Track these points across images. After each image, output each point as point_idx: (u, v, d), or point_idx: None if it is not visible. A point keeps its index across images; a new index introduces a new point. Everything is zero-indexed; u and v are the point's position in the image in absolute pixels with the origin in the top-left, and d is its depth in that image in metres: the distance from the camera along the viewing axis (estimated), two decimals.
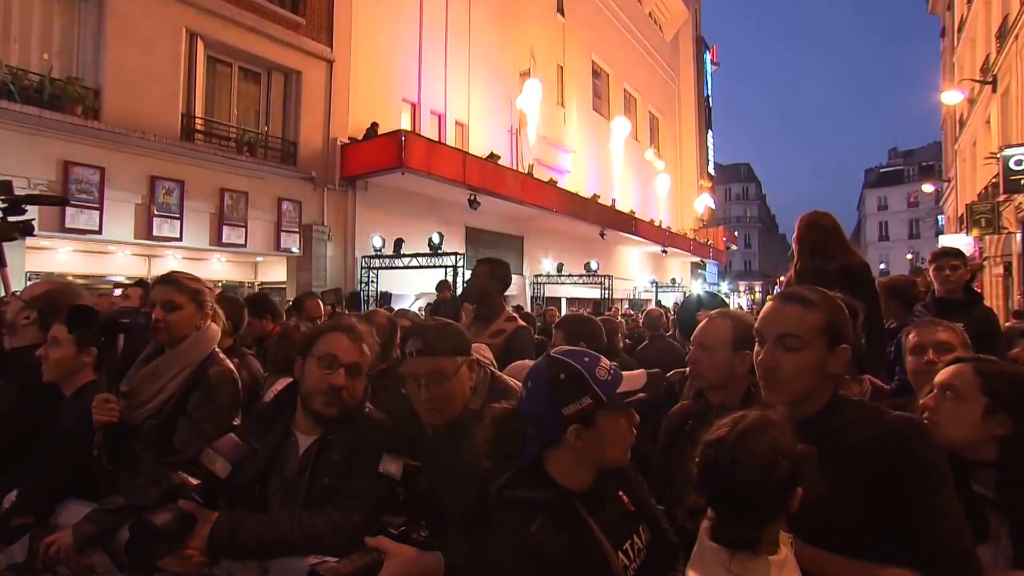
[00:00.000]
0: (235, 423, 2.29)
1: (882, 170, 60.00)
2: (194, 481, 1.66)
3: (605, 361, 1.38)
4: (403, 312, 4.61)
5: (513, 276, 14.00)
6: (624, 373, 1.39)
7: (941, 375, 1.59)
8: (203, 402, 2.27)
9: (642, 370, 1.43)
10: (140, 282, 5.27)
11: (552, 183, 17.39)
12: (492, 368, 2.10)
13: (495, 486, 1.34)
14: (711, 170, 35.52)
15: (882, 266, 50.24)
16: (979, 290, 16.27)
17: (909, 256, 46.49)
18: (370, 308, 10.80)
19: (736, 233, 48.10)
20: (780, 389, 1.42)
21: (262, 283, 13.20)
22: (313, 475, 1.76)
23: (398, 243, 12.91)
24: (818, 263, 3.20)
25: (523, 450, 1.34)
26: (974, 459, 1.47)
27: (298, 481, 1.76)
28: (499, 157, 15.25)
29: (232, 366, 2.47)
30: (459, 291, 9.74)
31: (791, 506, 1.16)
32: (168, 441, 2.22)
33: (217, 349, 2.49)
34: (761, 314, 1.50)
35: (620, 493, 1.42)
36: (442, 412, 1.76)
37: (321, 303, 5.27)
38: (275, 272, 13.01)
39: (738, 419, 1.22)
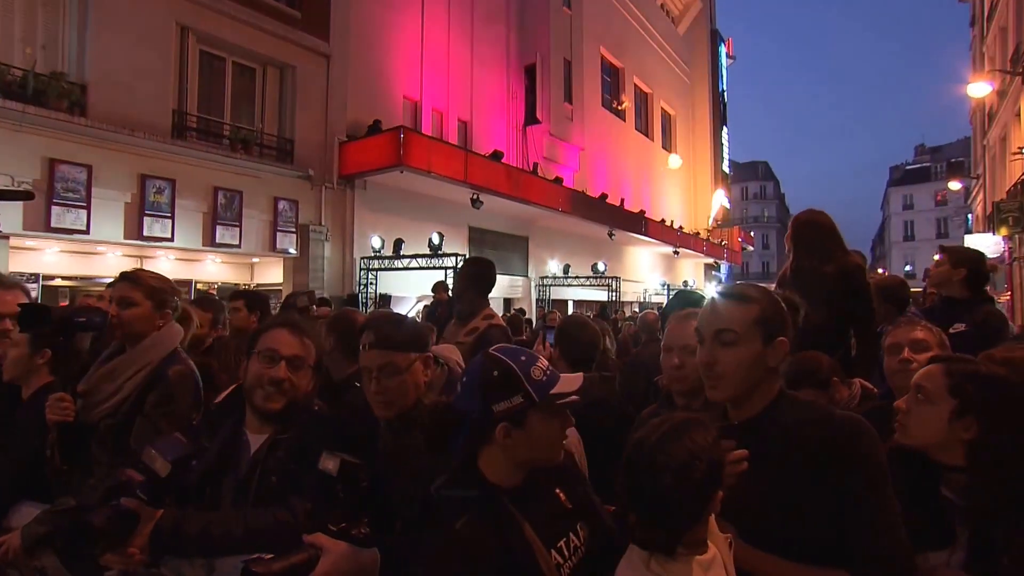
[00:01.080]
0: (195, 423, 2.25)
1: (908, 167, 59.56)
2: (140, 478, 1.67)
3: (543, 362, 1.42)
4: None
5: (518, 278, 14.00)
6: (561, 375, 1.42)
7: (915, 376, 1.59)
8: (160, 401, 2.29)
9: (580, 373, 1.48)
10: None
11: (558, 181, 17.40)
12: (455, 366, 2.11)
13: (434, 484, 1.38)
14: (726, 168, 35.35)
15: (907, 267, 49.80)
16: (1007, 291, 16.01)
17: (936, 257, 45.95)
18: (367, 311, 10.85)
19: (752, 234, 47.75)
20: (719, 386, 1.46)
21: (259, 285, 13.26)
22: (262, 475, 1.80)
23: (398, 243, 12.93)
24: (815, 264, 3.23)
25: (453, 445, 1.39)
26: (943, 463, 1.47)
27: (248, 481, 1.80)
28: (503, 155, 15.26)
29: (193, 365, 2.49)
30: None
31: (710, 508, 1.21)
32: (126, 441, 2.24)
33: (180, 348, 2.51)
34: (699, 315, 1.56)
35: (557, 491, 1.44)
36: (392, 405, 1.80)
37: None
38: (272, 274, 13.09)
39: (664, 420, 1.27)
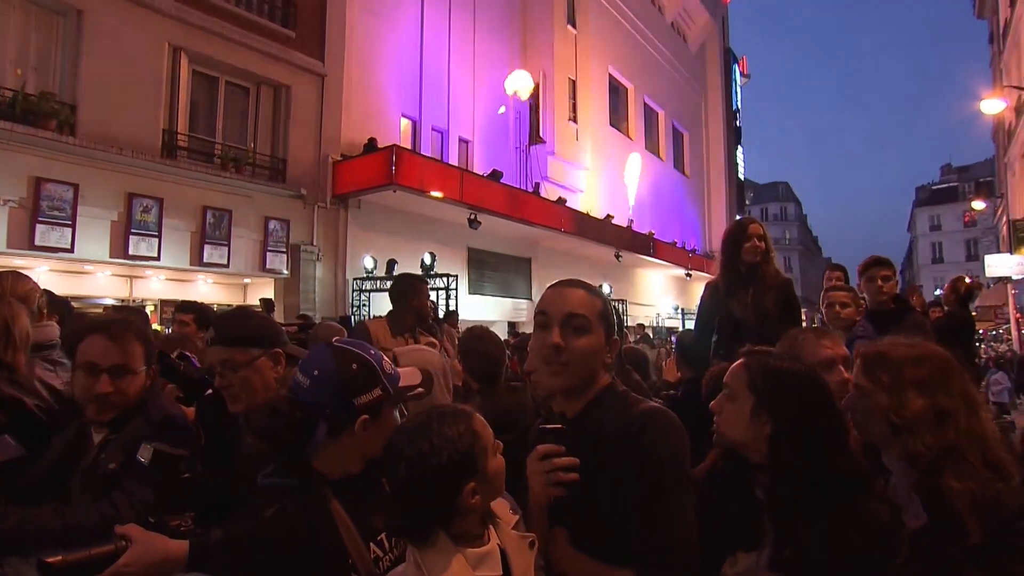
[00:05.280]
0: None
1: (934, 187, 59.13)
2: None
3: (385, 357, 1.50)
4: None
5: (522, 300, 14.05)
6: (399, 370, 1.52)
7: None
8: None
9: (415, 368, 1.58)
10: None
11: (561, 202, 17.54)
12: None
13: (261, 474, 1.41)
14: (743, 188, 35.28)
15: (937, 292, 48.89)
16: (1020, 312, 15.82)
17: (968, 280, 45.18)
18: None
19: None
20: (563, 372, 1.44)
21: (251, 307, 13.42)
22: (101, 469, 1.84)
23: (391, 264, 13.05)
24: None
25: (299, 439, 1.38)
26: (753, 461, 1.46)
27: (91, 475, 1.85)
28: (501, 175, 15.40)
29: None
30: (441, 313, 9.85)
31: (459, 502, 1.22)
32: None
33: None
34: (544, 298, 1.53)
35: (384, 480, 1.45)
36: (238, 399, 1.87)
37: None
38: (264, 295, 13.19)
39: (426, 410, 1.32)
